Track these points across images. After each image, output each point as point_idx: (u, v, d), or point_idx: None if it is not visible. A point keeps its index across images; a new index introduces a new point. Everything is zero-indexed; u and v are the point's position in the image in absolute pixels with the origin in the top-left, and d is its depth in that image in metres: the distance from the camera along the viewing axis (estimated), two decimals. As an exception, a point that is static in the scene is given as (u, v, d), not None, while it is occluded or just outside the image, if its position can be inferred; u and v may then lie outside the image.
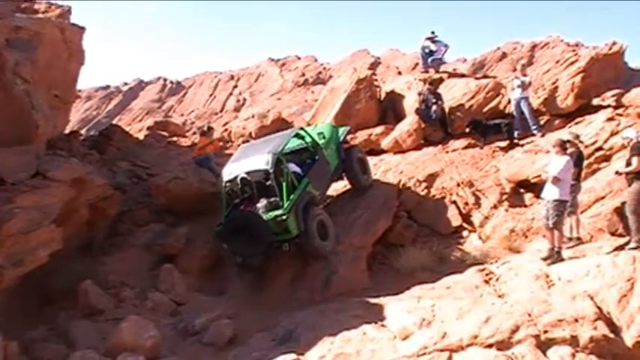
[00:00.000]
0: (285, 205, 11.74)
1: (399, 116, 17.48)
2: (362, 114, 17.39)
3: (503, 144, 15.02)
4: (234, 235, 11.88)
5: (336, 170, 13.80)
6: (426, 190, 14.35)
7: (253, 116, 23.62)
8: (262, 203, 12.05)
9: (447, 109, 16.42)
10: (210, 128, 17.40)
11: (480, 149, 15.24)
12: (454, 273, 10.81)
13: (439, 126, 16.43)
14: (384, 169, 15.67)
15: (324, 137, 13.83)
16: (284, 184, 11.95)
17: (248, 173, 12.46)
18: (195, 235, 13.58)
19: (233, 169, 12.59)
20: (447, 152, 15.61)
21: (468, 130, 15.72)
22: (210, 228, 12.87)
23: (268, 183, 12.29)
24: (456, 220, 13.51)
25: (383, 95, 18.29)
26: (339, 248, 12.46)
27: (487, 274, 10.22)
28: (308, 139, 13.46)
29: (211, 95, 46.09)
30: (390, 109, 17.99)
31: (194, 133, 25.03)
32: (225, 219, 12.10)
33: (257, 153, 12.50)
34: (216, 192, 13.70)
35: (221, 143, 19.01)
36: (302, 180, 12.49)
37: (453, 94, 16.86)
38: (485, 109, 16.20)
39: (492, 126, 15.18)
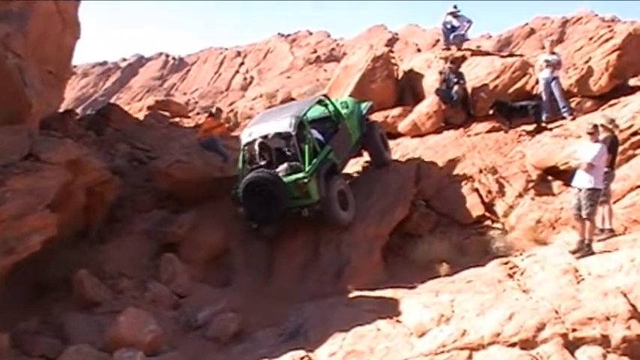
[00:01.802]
0: (307, 169, 12.19)
1: (418, 97, 17.47)
2: (378, 94, 17.33)
3: (530, 128, 14.96)
4: (251, 198, 12.18)
5: (357, 143, 14.38)
6: (446, 177, 14.36)
7: (261, 96, 23.67)
8: (283, 166, 12.48)
9: (469, 90, 16.37)
10: (218, 110, 17.55)
11: (505, 133, 15.21)
12: (475, 266, 10.80)
13: (461, 108, 16.40)
14: (401, 153, 15.74)
15: (347, 107, 14.43)
16: (306, 149, 12.40)
17: (268, 137, 13.00)
18: (199, 223, 13.62)
19: (253, 132, 13.10)
20: (469, 136, 15.61)
21: (491, 112, 15.71)
22: (216, 215, 13.05)
23: (288, 151, 12.89)
24: (477, 210, 13.50)
25: (400, 74, 18.25)
26: (352, 238, 12.56)
27: (511, 268, 10.19)
28: (331, 108, 14.00)
29: (216, 73, 46.14)
30: (408, 90, 17.97)
31: (198, 114, 25.10)
32: (243, 180, 12.35)
33: (280, 116, 13.07)
34: (223, 177, 13.88)
35: (228, 125, 19.05)
36: (324, 147, 12.95)
37: (477, 73, 16.79)
38: (510, 90, 16.12)
39: (518, 108, 15.11)
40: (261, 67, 43.94)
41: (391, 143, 16.01)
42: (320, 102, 14.10)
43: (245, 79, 42.88)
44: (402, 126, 16.74)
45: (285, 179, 12.14)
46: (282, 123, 12.74)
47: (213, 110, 17.24)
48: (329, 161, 12.81)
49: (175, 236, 13.37)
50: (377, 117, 16.80)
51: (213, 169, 14.52)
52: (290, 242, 13.03)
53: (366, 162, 15.36)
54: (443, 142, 15.61)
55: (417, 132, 16.44)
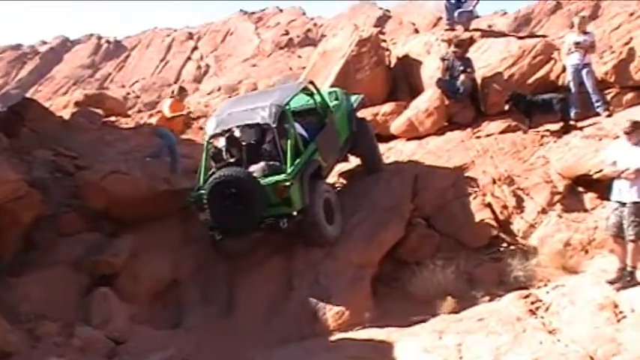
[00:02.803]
0: (290, 170, 12.28)
1: (415, 90, 17.54)
2: (365, 86, 17.35)
3: (556, 127, 15.04)
4: (218, 202, 12.21)
5: (345, 144, 14.64)
6: (450, 189, 14.37)
7: (219, 89, 23.62)
8: (259, 165, 12.60)
9: (479, 80, 16.46)
10: (182, 90, 17.32)
11: (524, 134, 15.29)
12: (488, 300, 10.88)
13: (469, 103, 16.50)
14: (394, 160, 15.80)
15: (336, 99, 14.74)
16: (289, 145, 12.50)
17: (240, 129, 13.23)
18: (142, 249, 13.63)
19: (222, 121, 13.24)
20: (478, 138, 15.66)
21: (507, 108, 15.76)
22: (163, 239, 13.18)
23: (263, 148, 12.98)
24: (490, 229, 13.52)
25: (393, 61, 18.35)
26: (333, 265, 12.61)
27: (533, 302, 10.23)
28: (317, 99, 14.16)
29: (162, 60, 46.11)
30: (402, 81, 18.06)
31: (140, 112, 24.99)
32: (211, 180, 12.39)
33: (256, 104, 13.21)
34: (170, 191, 14.03)
35: (191, 114, 18.96)
36: (309, 145, 13.16)
37: (488, 59, 16.88)
38: (531, 80, 16.21)
39: (541, 102, 15.16)
40: (219, 52, 44.00)
41: (382, 148, 16.10)
42: (305, 90, 14.25)
43: (199, 67, 42.91)
44: (396, 126, 16.79)
45: (262, 181, 12.24)
46: (260, 112, 12.82)
47: (175, 91, 17.12)
48: (314, 162, 12.99)
49: (111, 266, 13.30)
50: (364, 114, 16.73)
51: (158, 182, 14.51)
52: (257, 269, 13.03)
53: (348, 171, 15.54)
54: (446, 145, 15.65)
55: (414, 133, 16.49)
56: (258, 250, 13.35)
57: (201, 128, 17.76)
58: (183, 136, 17.95)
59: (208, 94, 24.53)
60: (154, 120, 18.53)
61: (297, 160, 12.52)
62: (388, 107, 17.29)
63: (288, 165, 12.36)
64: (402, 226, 13.54)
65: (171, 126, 15.76)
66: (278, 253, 13.24)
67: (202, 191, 12.44)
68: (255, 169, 12.55)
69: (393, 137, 16.79)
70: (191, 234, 14.11)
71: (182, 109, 16.08)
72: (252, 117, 12.94)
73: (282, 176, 12.21)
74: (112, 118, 21.90)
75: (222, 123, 13.19)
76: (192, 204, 12.80)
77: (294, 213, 12.33)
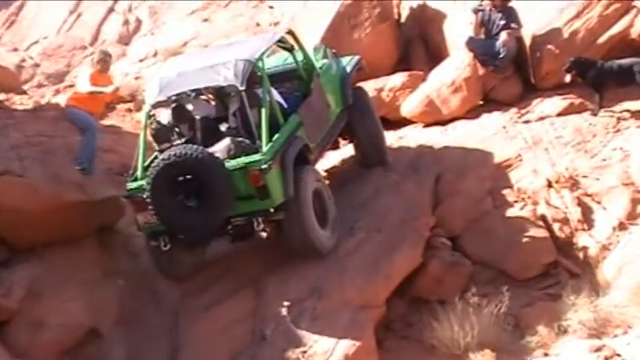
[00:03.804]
0: (266, 149, 12.23)
1: (436, 55, 17.91)
2: (365, 49, 17.44)
3: (638, 105, 15.16)
4: (166, 196, 12.22)
5: (338, 121, 14.83)
6: (487, 196, 14.52)
7: (155, 54, 23.45)
8: (222, 144, 12.67)
9: (527, 40, 16.59)
10: (106, 55, 16.56)
11: (593, 116, 15.43)
12: (543, 354, 10.99)
13: (513, 72, 16.68)
14: (406, 154, 15.93)
15: (324, 57, 15.12)
16: (263, 116, 12.54)
17: (196, 96, 13.57)
18: (45, 285, 13.53)
19: (167, 85, 13.27)
20: (527, 123, 15.83)
21: (568, 78, 15.91)
22: (75, 269, 13.25)
23: (228, 122, 13.16)
24: (545, 253, 13.58)
25: (405, 14, 18.70)
26: (322, 306, 12.60)
27: (608, 358, 10.39)
28: (299, 56, 14.33)
29: (73, 12, 45.83)
30: (418, 41, 18.50)
31: (41, 86, 24.80)
32: (155, 164, 12.34)
33: (216, 60, 13.34)
34: (84, 202, 13.89)
35: (118, 91, 18.86)
36: (290, 117, 13.29)
37: (541, 10, 16.95)
38: (602, 39, 16.35)
39: (617, 71, 15.30)
40: (155, 3, 43.83)
41: (389, 137, 16.27)
42: (281, 43, 14.38)
43: (126, 23, 42.60)
44: (409, 106, 16.99)
45: (227, 164, 12.20)
46: (222, 71, 12.85)
47: (96, 56, 16.61)
48: (298, 140, 13.04)
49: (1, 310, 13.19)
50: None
51: (68, 189, 14.24)
52: (213, 313, 13.05)
53: (337, 167, 15.80)
54: (481, 133, 15.80)
55: (434, 117, 16.69)
56: (213, 284, 13.41)
57: (129, 110, 17.66)
58: (104, 122, 17.82)
59: (141, 60, 24.30)
60: (62, 99, 18.41)
61: (276, 136, 12.54)
62: (398, 80, 17.52)
63: (264, 142, 12.31)
64: (419, 249, 13.55)
65: (89, 108, 15.40)
66: (244, 286, 13.30)
67: (142, 182, 12.43)
68: (218, 148, 12.56)
69: (404, 122, 17.07)
70: (116, 263, 14.23)
71: (106, 83, 15.56)
72: (210, 78, 13.01)
73: (255, 157, 12.14)
74: (2, 96, 21.83)
75: (169, 87, 13.19)
76: (126, 200, 12.93)
77: (272, 209, 12.31)
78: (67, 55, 38.27)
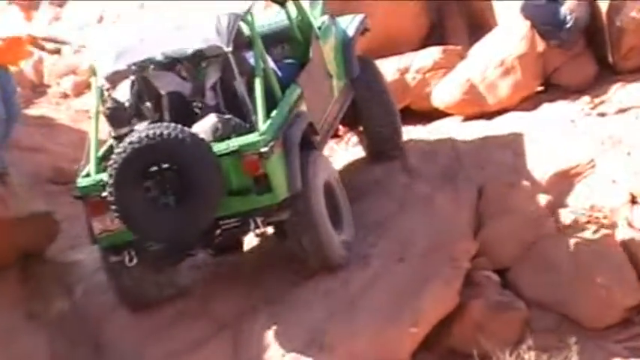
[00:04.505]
0: (265, 127, 12.10)
1: (479, 24, 17.97)
2: (384, 17, 17.55)
3: None
4: (132, 193, 11.90)
5: (342, 98, 15.00)
6: (547, 214, 14.24)
7: (101, 20, 23.26)
8: (207, 122, 12.52)
9: (603, 6, 16.36)
10: None
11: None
12: None
13: (583, 47, 16.50)
14: (439, 154, 15.79)
15: (322, 15, 15.31)
16: (258, 85, 12.41)
17: (164, 64, 13.44)
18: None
19: (126, 51, 13.07)
20: (602, 115, 15.69)
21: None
22: None
23: (205, 97, 13.18)
24: (628, 293, 13.30)
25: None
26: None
27: None
28: (292, 12, 14.41)
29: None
30: (454, 6, 18.41)
31: None
32: (119, 149, 12.01)
33: (191, 17, 13.68)
34: (7, 219, 13.69)
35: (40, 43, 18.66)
36: (289, 87, 13.28)
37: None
38: None
39: None
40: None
41: (418, 132, 16.41)
42: None
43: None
44: (444, 93, 16.91)
45: (214, 147, 11.99)
46: (201, 30, 12.78)
47: None
48: (302, 117, 13.06)
49: None
50: (385, 69, 16.98)
51: None
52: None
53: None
54: (540, 129, 15.58)
55: (477, 107, 16.69)
56: (178, 325, 13.14)
57: (65, 96, 17.47)
58: (30, 111, 17.73)
59: (80, 28, 24.09)
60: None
61: (275, 112, 12.44)
62: (428, 57, 17.61)
63: (260, 118, 12.16)
64: (456, 286, 13.28)
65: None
66: (220, 329, 13.10)
67: (98, 177, 12.21)
68: (200, 128, 12.30)
69: (436, 114, 17.21)
70: (46, 302, 13.97)
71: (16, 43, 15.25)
72: (185, 39, 13.05)
73: (251, 137, 11.94)
74: None
75: (129, 53, 12.96)
76: (77, 199, 12.59)
77: (275, 205, 12.14)
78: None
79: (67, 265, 14.42)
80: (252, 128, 12.09)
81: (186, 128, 11.89)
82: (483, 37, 17.24)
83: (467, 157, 15.54)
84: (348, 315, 12.67)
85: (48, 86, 20.79)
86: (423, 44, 17.85)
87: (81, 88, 18.90)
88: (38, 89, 18.94)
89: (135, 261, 12.29)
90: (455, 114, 17.00)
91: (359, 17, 15.88)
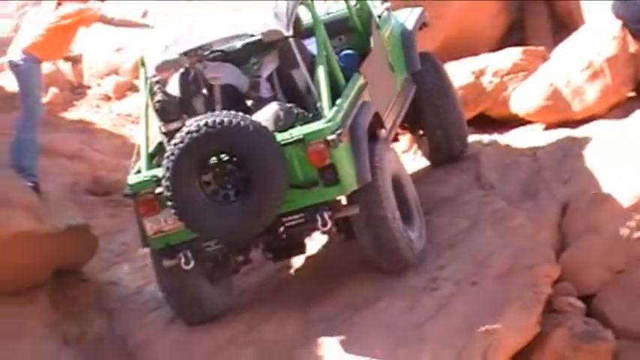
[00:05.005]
0: (331, 115, 11.72)
1: (564, 23, 17.68)
2: (457, 14, 17.27)
3: None
4: (191, 187, 11.52)
5: (404, 92, 14.69)
6: (638, 235, 13.35)
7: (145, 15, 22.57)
8: (268, 110, 12.27)
9: None
10: None
11: None
12: None
13: None
14: (519, 166, 15.35)
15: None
16: (321, 72, 12.19)
17: (218, 54, 13.51)
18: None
19: (179, 42, 12.88)
20: None
21: None
22: (20, 337, 12.77)
23: (260, 89, 13.00)
24: None
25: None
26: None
27: None
28: (352, 1, 14.12)
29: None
30: (536, 3, 18.04)
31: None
32: (174, 143, 11.56)
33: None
34: (39, 234, 13.23)
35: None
36: (352, 76, 12.90)
37: None
38: None
39: None
40: None
41: (498, 139, 16.39)
42: None
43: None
44: (523, 98, 16.51)
45: (277, 136, 11.66)
46: (256, 16, 12.62)
47: None
48: (367, 107, 12.56)
49: None
50: (455, 71, 16.72)
51: (10, 213, 13.34)
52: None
53: None
54: (632, 139, 14.74)
55: (561, 114, 16.29)
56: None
57: (107, 98, 16.78)
58: (68, 114, 17.06)
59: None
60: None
61: (340, 100, 11.98)
62: (507, 59, 17.30)
63: (325, 105, 11.78)
64: (536, 313, 12.42)
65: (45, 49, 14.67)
66: (268, 351, 12.44)
67: (151, 172, 11.93)
68: (262, 117, 11.99)
69: (516, 121, 16.91)
70: (80, 325, 13.40)
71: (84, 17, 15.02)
72: (240, 27, 12.94)
73: (317, 124, 11.53)
74: None
75: (179, 43, 12.70)
76: (128, 197, 12.28)
77: (343, 198, 11.88)
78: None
79: (105, 285, 14.14)
80: (316, 117, 11.78)
81: (248, 116, 11.65)
82: (568, 38, 16.78)
83: (549, 170, 15.05)
84: (414, 345, 11.85)
85: (88, 87, 20.91)
86: (501, 45, 17.70)
87: (123, 90, 19.12)
88: (77, 90, 18.44)
89: (192, 264, 11.84)
90: (536, 121, 16.60)
91: (417, 10, 15.68)
